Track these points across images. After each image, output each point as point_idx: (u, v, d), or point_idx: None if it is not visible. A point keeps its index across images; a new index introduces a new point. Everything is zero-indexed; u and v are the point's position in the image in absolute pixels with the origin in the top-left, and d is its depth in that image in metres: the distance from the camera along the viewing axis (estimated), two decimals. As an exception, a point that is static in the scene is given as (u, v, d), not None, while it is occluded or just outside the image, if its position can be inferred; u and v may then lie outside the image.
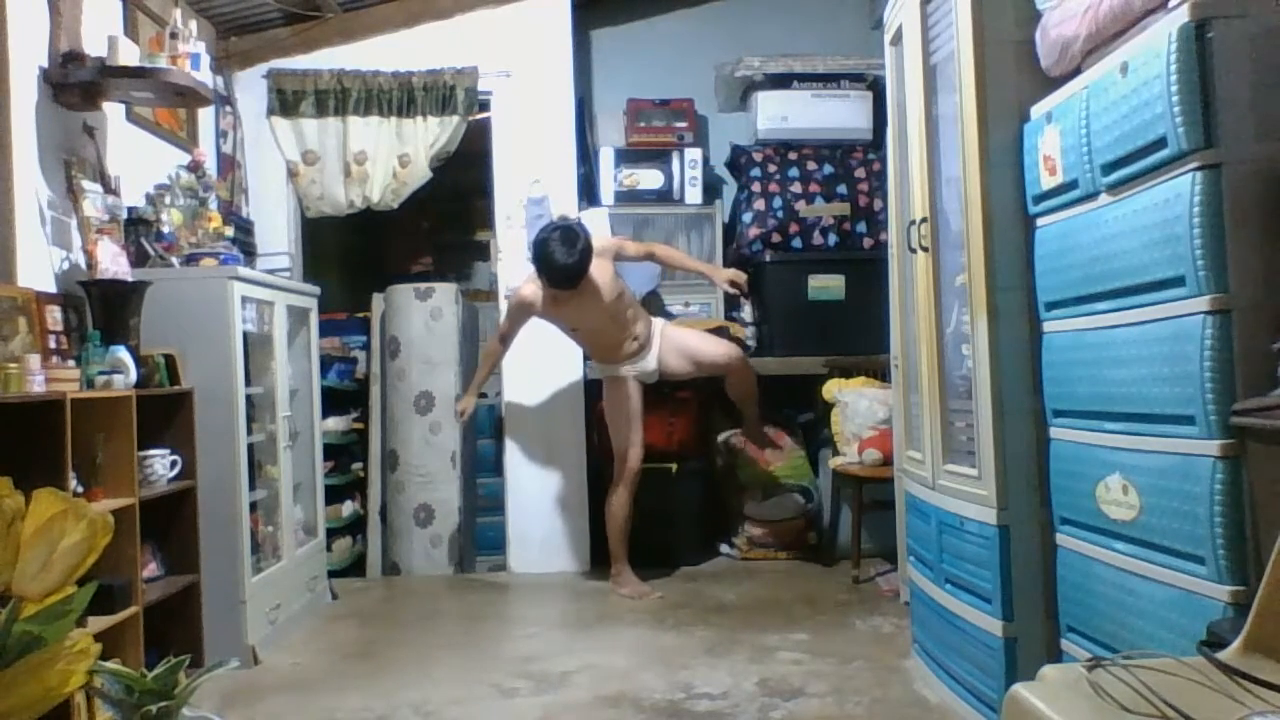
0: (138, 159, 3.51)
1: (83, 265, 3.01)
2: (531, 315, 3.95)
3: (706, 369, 4.23)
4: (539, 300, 3.88)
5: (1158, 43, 1.83)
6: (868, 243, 4.80)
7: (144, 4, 3.61)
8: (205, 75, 3.25)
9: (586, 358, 4.48)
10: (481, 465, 4.89)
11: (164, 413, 3.04)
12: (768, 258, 4.76)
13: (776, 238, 4.77)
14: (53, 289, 2.96)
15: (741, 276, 4.22)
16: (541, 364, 4.49)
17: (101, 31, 3.18)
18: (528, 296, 3.90)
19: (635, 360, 4.08)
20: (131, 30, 3.48)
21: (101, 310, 2.91)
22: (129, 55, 3.07)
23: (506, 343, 4.08)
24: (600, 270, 3.85)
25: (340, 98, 4.47)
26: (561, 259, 3.67)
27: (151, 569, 3.00)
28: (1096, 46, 2.15)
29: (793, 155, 4.86)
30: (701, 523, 4.69)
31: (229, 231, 3.60)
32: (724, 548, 4.73)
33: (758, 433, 4.51)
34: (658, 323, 4.20)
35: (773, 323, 4.79)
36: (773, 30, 5.10)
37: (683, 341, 4.19)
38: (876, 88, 4.78)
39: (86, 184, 3.10)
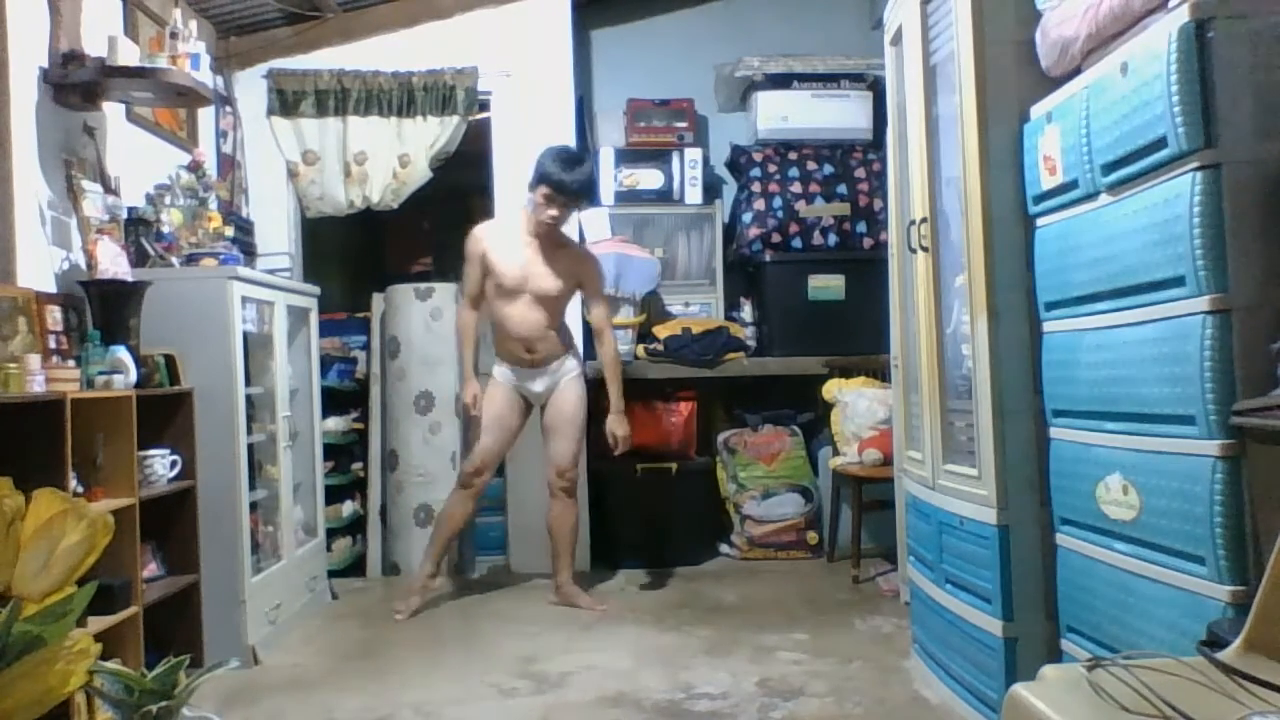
0: (138, 159, 3.51)
1: (83, 265, 3.01)
2: (480, 257, 3.76)
3: (545, 438, 3.92)
4: (489, 236, 3.78)
5: (1158, 43, 1.83)
6: (868, 243, 4.80)
7: (144, 4, 3.61)
8: (205, 75, 3.25)
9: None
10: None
11: (164, 413, 3.04)
12: (768, 258, 4.77)
13: (776, 238, 4.78)
14: (53, 289, 2.95)
15: (628, 442, 3.93)
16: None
17: (101, 31, 3.18)
18: (478, 233, 3.81)
19: (527, 371, 3.86)
20: (131, 30, 3.48)
21: (101, 310, 2.91)
22: (129, 55, 3.07)
23: (477, 304, 3.84)
24: (572, 262, 3.83)
25: (340, 98, 4.47)
26: (577, 158, 3.71)
27: (151, 569, 3.00)
28: (1096, 46, 2.15)
29: (793, 155, 4.87)
30: (701, 523, 4.69)
31: (229, 231, 3.59)
32: (724, 548, 4.73)
33: (572, 585, 3.92)
34: (573, 365, 3.93)
35: (773, 323, 4.79)
36: (773, 30, 5.10)
37: (568, 408, 3.89)
38: (876, 88, 4.78)
39: (86, 184, 3.10)
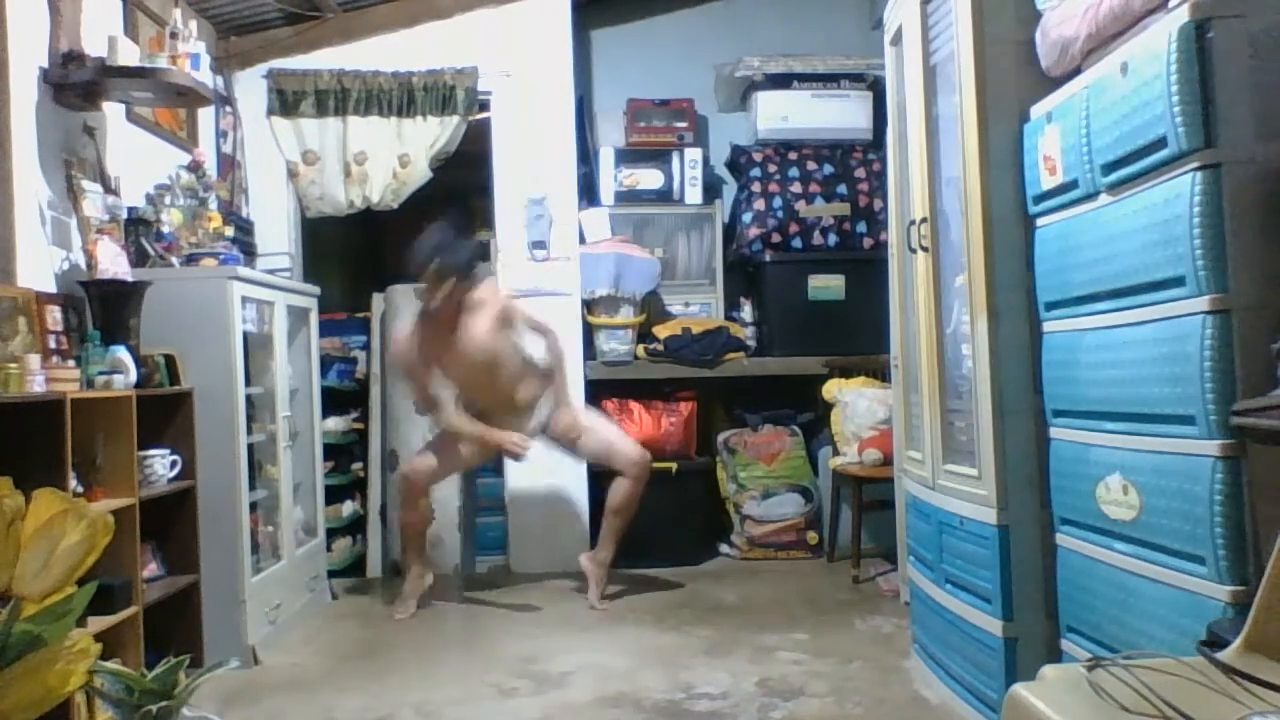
0: (138, 159, 3.51)
1: (83, 265, 3.01)
2: (417, 364, 3.74)
3: (601, 457, 3.93)
4: (407, 343, 3.76)
5: (1158, 43, 1.83)
6: (868, 243, 4.80)
7: (144, 4, 3.61)
8: (205, 75, 3.25)
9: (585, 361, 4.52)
10: (481, 465, 4.87)
11: (164, 413, 3.04)
12: (768, 258, 4.77)
13: (776, 238, 4.78)
14: (53, 289, 2.95)
15: (521, 448, 3.77)
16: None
17: (101, 31, 3.18)
18: (397, 352, 3.80)
19: (520, 418, 3.85)
20: (131, 30, 3.48)
21: (101, 310, 2.91)
22: (129, 55, 3.07)
23: (439, 395, 3.79)
24: (483, 310, 3.73)
25: (340, 98, 4.46)
26: (451, 240, 3.70)
27: (151, 569, 3.00)
28: (1096, 46, 2.15)
29: (793, 155, 4.87)
30: (701, 523, 4.69)
31: (229, 231, 3.60)
32: (724, 548, 4.73)
33: (604, 568, 3.94)
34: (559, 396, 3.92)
35: (773, 323, 4.79)
36: (773, 30, 5.10)
37: (581, 420, 3.92)
38: (876, 88, 4.78)
39: (86, 184, 3.10)
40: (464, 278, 3.69)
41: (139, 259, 3.19)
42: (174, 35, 3.17)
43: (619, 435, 3.96)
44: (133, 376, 2.79)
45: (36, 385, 2.44)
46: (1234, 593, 1.70)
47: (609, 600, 3.93)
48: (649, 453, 3.95)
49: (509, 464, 4.47)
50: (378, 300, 4.79)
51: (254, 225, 4.27)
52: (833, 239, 4.82)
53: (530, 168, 4.54)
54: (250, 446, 3.41)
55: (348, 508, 4.58)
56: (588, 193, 4.82)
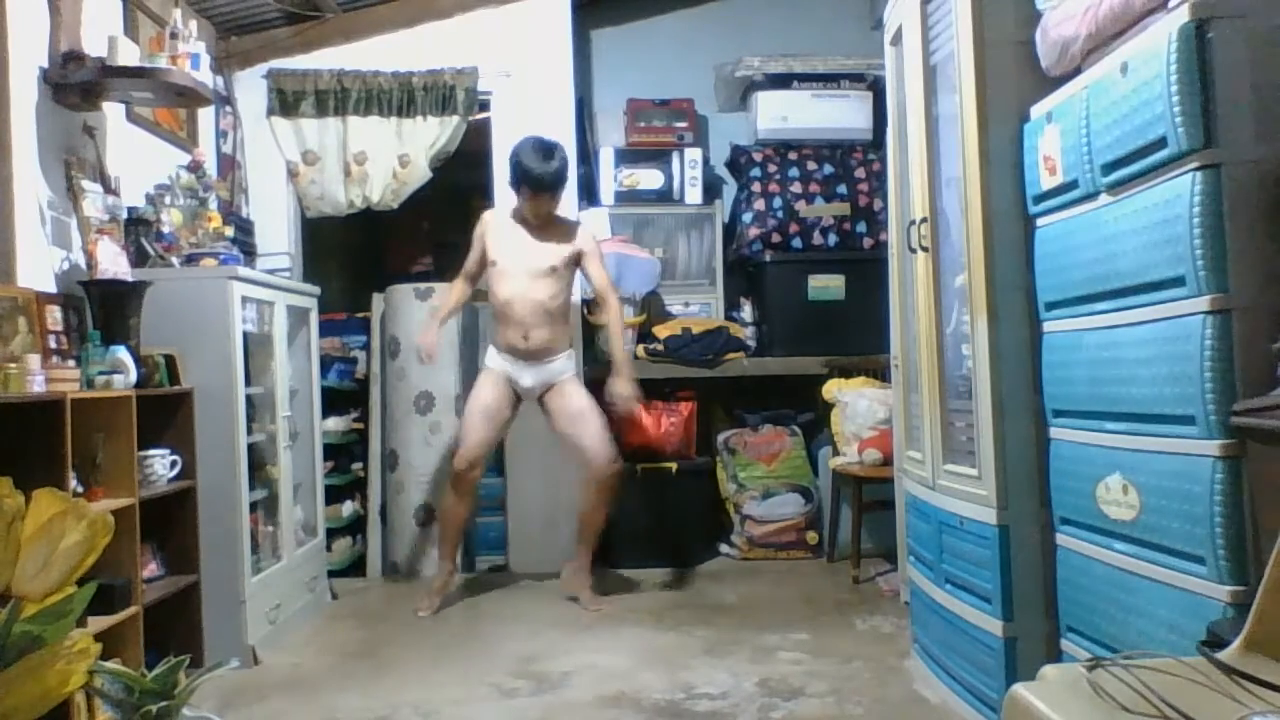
0: (138, 159, 3.51)
1: (83, 265, 3.01)
2: (481, 237, 3.90)
3: (570, 443, 3.88)
4: (493, 221, 3.91)
5: (1158, 43, 1.83)
6: (868, 243, 4.81)
7: (144, 4, 3.61)
8: (205, 75, 3.25)
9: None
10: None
11: (164, 413, 3.04)
12: (768, 258, 4.77)
13: (776, 238, 4.78)
14: (53, 289, 2.96)
15: (632, 403, 3.90)
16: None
17: (101, 31, 3.18)
18: (485, 216, 3.96)
19: (523, 361, 3.85)
20: (131, 30, 3.48)
21: (101, 310, 2.91)
22: (129, 55, 3.07)
23: (469, 281, 4.02)
24: (565, 233, 3.84)
25: (340, 98, 4.47)
26: (538, 163, 3.68)
27: (151, 569, 3.00)
28: (1096, 46, 2.15)
29: (793, 155, 4.87)
30: (701, 523, 4.69)
31: (229, 231, 3.59)
32: (724, 548, 4.73)
33: (585, 573, 3.95)
34: (568, 365, 3.93)
35: (773, 323, 4.80)
36: (773, 30, 5.11)
37: (575, 403, 3.86)
38: (876, 88, 4.79)
39: (86, 184, 3.10)
40: (561, 191, 3.80)
41: (139, 259, 3.19)
42: (174, 35, 3.17)
43: (599, 434, 3.86)
44: (133, 376, 2.79)
45: (36, 385, 2.44)
46: (1234, 593, 1.70)
47: (603, 598, 3.93)
48: (620, 463, 3.88)
49: (510, 464, 4.49)
50: (378, 300, 4.79)
51: (254, 225, 4.27)
52: (833, 239, 4.82)
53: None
54: (250, 446, 3.40)
55: (348, 508, 4.58)
56: (588, 193, 4.82)
